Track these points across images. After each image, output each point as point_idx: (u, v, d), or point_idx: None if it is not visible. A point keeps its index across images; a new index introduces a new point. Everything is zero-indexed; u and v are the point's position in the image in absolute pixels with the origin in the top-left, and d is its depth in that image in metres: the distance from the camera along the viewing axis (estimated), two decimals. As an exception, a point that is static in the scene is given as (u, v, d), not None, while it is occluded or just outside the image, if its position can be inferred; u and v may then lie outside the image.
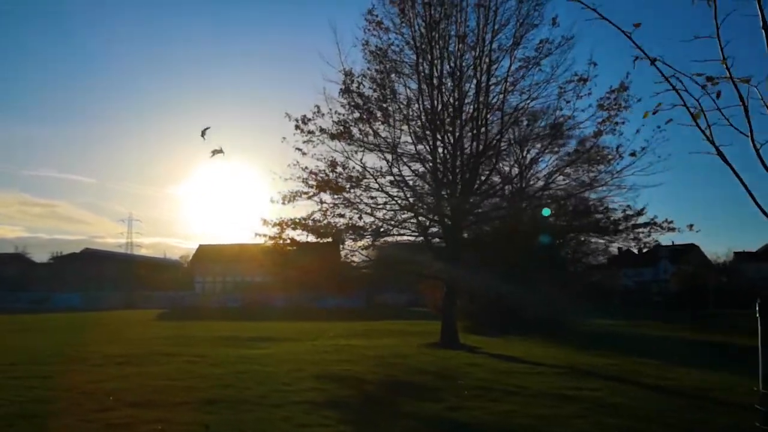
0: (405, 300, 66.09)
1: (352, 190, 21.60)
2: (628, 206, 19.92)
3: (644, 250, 51.24)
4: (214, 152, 8.97)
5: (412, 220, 22.91)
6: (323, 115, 21.58)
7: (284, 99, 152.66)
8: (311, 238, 23.53)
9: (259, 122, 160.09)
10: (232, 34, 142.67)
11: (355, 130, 20.90)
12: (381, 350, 20.30)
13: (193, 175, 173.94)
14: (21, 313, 52.70)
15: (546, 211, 20.76)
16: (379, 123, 21.12)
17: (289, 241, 23.57)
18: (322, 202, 22.87)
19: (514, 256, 23.90)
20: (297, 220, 22.84)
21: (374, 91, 21.17)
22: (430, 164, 22.11)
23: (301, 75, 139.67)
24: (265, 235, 23.38)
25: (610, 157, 20.65)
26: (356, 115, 20.91)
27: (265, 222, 22.57)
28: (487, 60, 21.58)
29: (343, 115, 21.23)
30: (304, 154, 22.09)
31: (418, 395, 11.57)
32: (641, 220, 19.67)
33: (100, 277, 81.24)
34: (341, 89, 21.03)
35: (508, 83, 21.68)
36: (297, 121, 21.08)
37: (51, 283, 75.62)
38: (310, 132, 21.76)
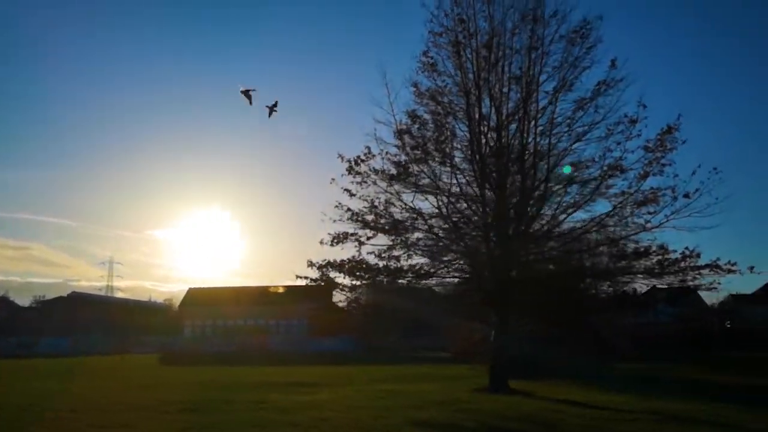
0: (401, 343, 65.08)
1: (407, 233, 21.36)
2: (686, 248, 19.92)
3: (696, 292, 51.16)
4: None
5: (458, 263, 22.63)
6: (374, 156, 21.49)
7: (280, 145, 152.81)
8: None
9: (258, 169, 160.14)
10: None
11: (414, 170, 20.69)
12: (436, 395, 19.84)
13: (169, 219, 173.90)
14: (9, 357, 51.29)
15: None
16: (437, 164, 20.98)
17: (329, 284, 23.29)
18: (362, 243, 22.64)
19: (560, 301, 23.77)
20: (340, 262, 22.54)
21: (433, 132, 21.07)
22: (480, 207, 21.94)
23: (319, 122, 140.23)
24: (307, 277, 23.02)
25: (660, 198, 20.61)
26: (415, 155, 20.75)
27: (310, 264, 22.20)
28: (534, 103, 21.63)
29: (397, 156, 21.16)
30: (352, 195, 21.91)
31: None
32: (701, 261, 19.67)
33: (87, 321, 79.44)
34: (400, 129, 20.93)
35: (554, 125, 21.72)
36: (350, 162, 20.91)
37: (37, 327, 73.79)
38: (358, 173, 21.63)
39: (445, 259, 22.53)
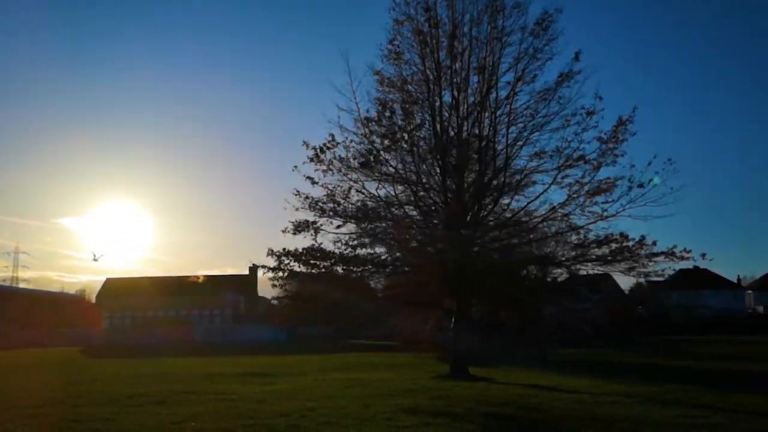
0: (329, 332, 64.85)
1: (373, 222, 21.24)
2: (642, 236, 20.56)
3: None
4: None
5: (423, 250, 22.68)
6: (337, 144, 21.22)
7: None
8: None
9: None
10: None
11: (383, 158, 20.54)
12: (401, 383, 19.83)
13: (77, 207, 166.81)
14: None
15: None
16: (406, 152, 20.89)
17: (287, 273, 22.90)
18: (318, 231, 22.41)
19: (514, 289, 24.21)
20: (300, 251, 22.19)
21: (402, 120, 20.95)
22: (442, 195, 22.03)
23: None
24: (264, 266, 22.59)
25: (613, 188, 21.17)
26: (384, 143, 20.59)
27: (271, 253, 21.74)
28: (495, 93, 21.86)
29: (361, 143, 20.98)
30: (314, 183, 21.60)
31: (552, 428, 11.32)
32: (657, 249, 20.35)
33: (-4, 313, 75.24)
34: (367, 117, 20.72)
35: (514, 116, 22.01)
36: (316, 149, 20.56)
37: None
38: (321, 161, 21.33)
39: (413, 246, 22.46)
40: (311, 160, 21.30)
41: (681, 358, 33.05)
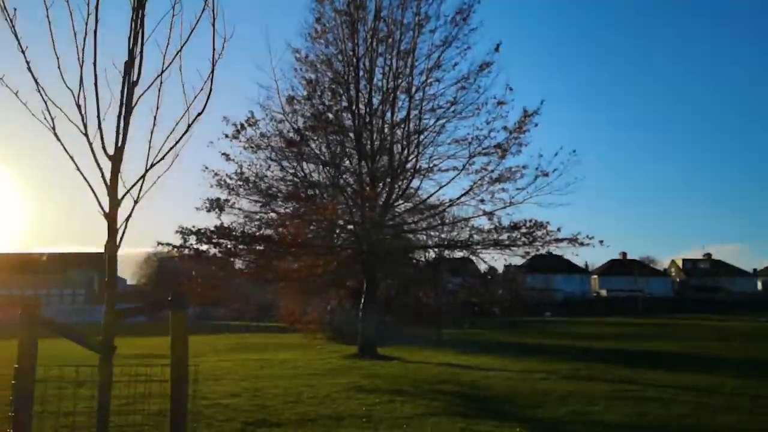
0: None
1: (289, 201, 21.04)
2: (547, 222, 21.85)
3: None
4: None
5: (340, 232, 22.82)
6: (257, 121, 20.82)
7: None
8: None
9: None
10: None
11: (309, 137, 20.35)
12: (317, 363, 20.02)
13: None
14: None
15: None
16: (331, 133, 20.82)
17: (193, 252, 22.27)
18: (222, 209, 22.01)
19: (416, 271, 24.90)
20: (211, 230, 21.65)
21: (330, 100, 20.83)
22: (357, 178, 22.24)
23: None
24: (169, 244, 21.88)
25: (515, 176, 22.31)
26: (309, 122, 20.41)
27: (181, 231, 21.05)
28: (410, 78, 22.29)
29: (283, 122, 20.72)
30: (229, 160, 21.11)
31: (511, 403, 11.93)
32: (562, 235, 21.69)
33: None
34: (291, 96, 20.44)
35: (430, 102, 22.61)
36: (236, 126, 20.05)
37: None
38: (238, 138, 20.87)
39: (329, 226, 22.51)
40: (227, 136, 20.78)
41: (553, 338, 35.37)
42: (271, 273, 23.17)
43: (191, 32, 4.51)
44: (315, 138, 20.85)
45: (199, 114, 4.63)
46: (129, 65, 4.40)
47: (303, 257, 23.45)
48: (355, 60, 21.78)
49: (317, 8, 21.45)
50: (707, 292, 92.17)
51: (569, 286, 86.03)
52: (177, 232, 21.38)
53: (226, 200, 21.49)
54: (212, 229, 21.68)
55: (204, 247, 22.28)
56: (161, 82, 4.61)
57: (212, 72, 4.61)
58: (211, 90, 4.67)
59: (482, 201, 21.89)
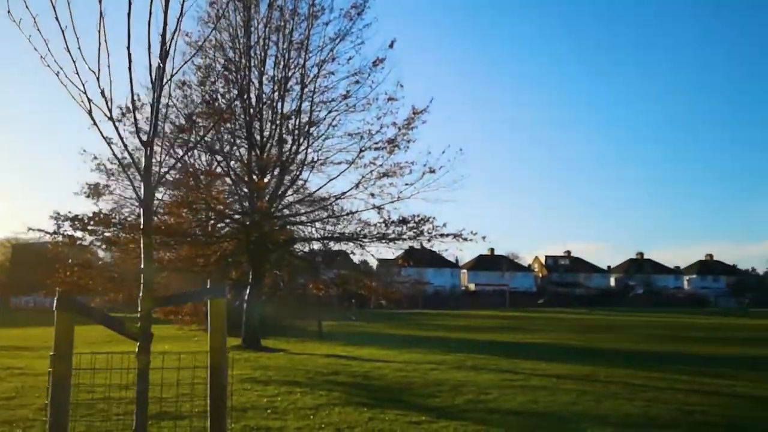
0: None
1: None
2: (432, 217, 22.38)
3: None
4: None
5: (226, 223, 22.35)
6: (143, 105, 19.93)
7: None
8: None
9: None
10: None
11: (201, 124, 19.72)
12: (200, 356, 19.47)
13: None
14: None
15: None
16: (224, 121, 20.28)
17: (67, 240, 21.20)
18: (101, 195, 21.12)
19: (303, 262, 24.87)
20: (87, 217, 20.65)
21: (224, 86, 20.30)
22: (246, 168, 21.90)
23: None
24: (42, 230, 20.72)
25: (407, 171, 22.77)
26: (203, 109, 19.79)
27: (56, 217, 19.95)
28: (302, 69, 22.20)
29: (181, 108, 20.04)
30: (112, 144, 20.05)
31: (409, 393, 12.20)
32: (447, 230, 22.28)
33: None
34: (184, 81, 19.75)
35: (322, 94, 22.61)
36: (121, 109, 19.09)
37: None
38: (119, 121, 19.88)
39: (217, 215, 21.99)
40: (110, 119, 19.69)
41: (429, 330, 36.42)
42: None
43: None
44: (206, 125, 20.26)
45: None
46: (164, 56, 4.27)
47: (185, 247, 22.82)
48: (247, 48, 21.39)
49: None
50: (567, 287, 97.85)
51: (440, 280, 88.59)
52: (51, 217, 20.25)
53: (106, 185, 20.51)
54: (90, 215, 20.66)
55: (79, 234, 21.25)
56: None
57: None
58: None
59: (372, 195, 22.12)
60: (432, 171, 22.16)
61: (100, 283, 21.06)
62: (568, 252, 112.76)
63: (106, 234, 21.52)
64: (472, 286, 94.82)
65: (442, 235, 22.28)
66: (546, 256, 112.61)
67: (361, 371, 15.57)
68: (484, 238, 22.86)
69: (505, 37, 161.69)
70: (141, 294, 4.40)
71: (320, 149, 22.93)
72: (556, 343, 25.99)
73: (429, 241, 22.40)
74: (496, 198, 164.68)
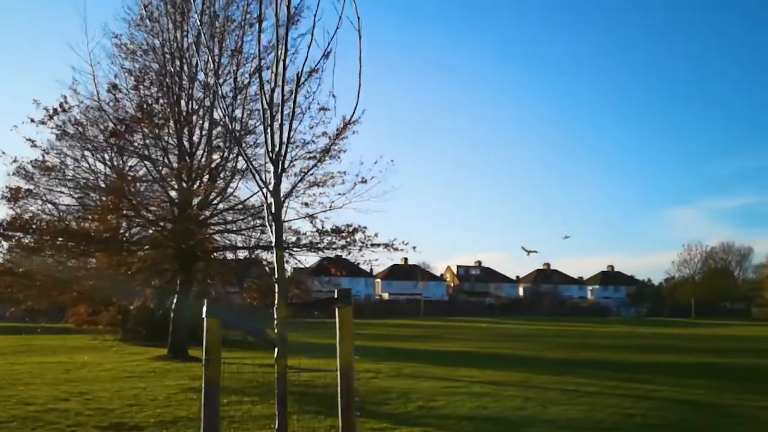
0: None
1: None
2: (364, 227, 22.57)
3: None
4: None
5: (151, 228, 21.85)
6: (70, 108, 19.36)
7: None
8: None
9: None
10: None
11: (135, 129, 19.21)
12: (131, 366, 19.07)
13: None
14: None
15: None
16: (157, 127, 19.83)
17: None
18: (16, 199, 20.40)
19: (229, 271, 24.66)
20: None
21: (158, 91, 19.82)
22: (176, 175, 21.52)
23: None
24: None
25: (340, 181, 22.89)
26: (136, 115, 19.26)
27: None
28: (233, 77, 22.05)
29: (101, 111, 19.46)
30: (34, 146, 19.44)
31: (360, 401, 12.31)
32: (379, 240, 22.53)
33: None
34: (113, 84, 19.23)
35: (251, 101, 22.50)
36: (48, 111, 18.47)
37: None
38: (43, 123, 19.28)
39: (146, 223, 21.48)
40: (33, 121, 19.02)
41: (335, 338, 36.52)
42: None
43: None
44: (138, 130, 19.76)
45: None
46: (299, 79, 5.16)
47: (111, 255, 22.22)
48: (179, 53, 21.07)
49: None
50: (478, 296, 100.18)
51: (354, 289, 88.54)
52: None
53: (28, 190, 19.70)
54: (8, 220, 19.82)
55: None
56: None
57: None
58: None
59: (306, 204, 22.16)
60: (364, 181, 22.37)
61: (19, 291, 20.21)
62: (479, 262, 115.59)
63: (24, 240, 20.66)
64: (385, 295, 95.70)
65: (373, 245, 22.54)
66: (458, 266, 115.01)
67: (301, 380, 15.47)
68: (414, 248, 23.35)
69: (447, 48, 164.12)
70: (276, 303, 4.98)
71: (253, 158, 22.72)
72: (481, 352, 26.69)
73: (360, 250, 22.59)
74: (411, 208, 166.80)
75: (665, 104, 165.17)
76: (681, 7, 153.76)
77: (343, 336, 5.49)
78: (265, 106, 5.23)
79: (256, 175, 5.43)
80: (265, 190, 5.27)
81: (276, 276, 5.03)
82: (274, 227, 4.94)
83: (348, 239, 22.24)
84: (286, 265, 27.52)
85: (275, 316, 5.07)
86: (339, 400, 5.47)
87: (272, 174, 5.12)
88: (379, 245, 22.59)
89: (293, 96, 5.25)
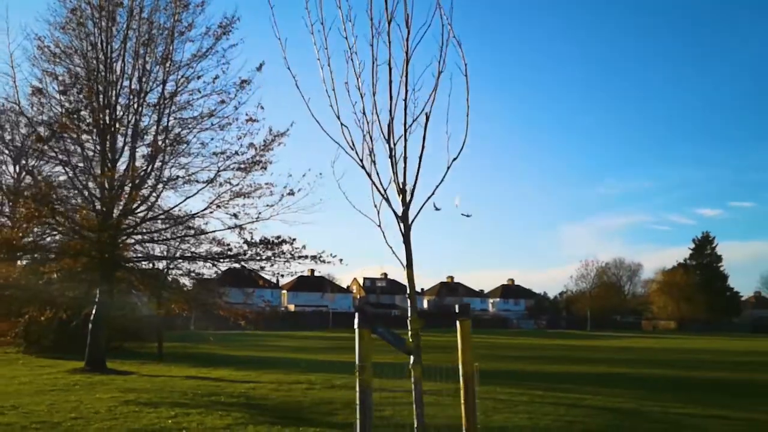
0: None
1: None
2: (292, 238, 22.59)
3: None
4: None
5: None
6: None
7: None
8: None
9: None
10: None
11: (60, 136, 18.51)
12: (48, 379, 18.34)
13: None
14: None
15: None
16: (84, 132, 19.19)
17: None
18: None
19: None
20: None
21: (87, 96, 19.19)
22: (98, 182, 20.95)
23: None
24: None
25: (268, 192, 22.83)
26: (63, 120, 18.58)
27: None
28: (161, 85, 21.76)
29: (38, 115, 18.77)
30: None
31: (309, 411, 12.44)
32: (307, 252, 22.57)
33: None
34: (37, 87, 18.52)
35: (179, 110, 22.26)
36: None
37: None
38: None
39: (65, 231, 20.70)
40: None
41: (264, 350, 36.30)
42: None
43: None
44: (66, 136, 19.06)
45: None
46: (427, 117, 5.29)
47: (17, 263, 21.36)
48: (104, 58, 20.56)
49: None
50: (384, 308, 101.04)
51: (260, 301, 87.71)
52: None
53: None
54: None
55: None
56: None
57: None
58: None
59: (236, 216, 22.01)
60: (291, 193, 22.45)
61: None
62: (385, 274, 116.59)
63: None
64: (291, 307, 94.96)
65: (301, 257, 22.61)
66: (364, 278, 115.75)
67: (237, 392, 15.52)
68: (341, 260, 23.56)
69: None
70: (409, 316, 5.74)
71: (178, 166, 22.42)
72: (400, 362, 27.03)
73: (287, 262, 22.59)
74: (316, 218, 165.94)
75: (562, 126, 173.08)
76: (571, 40, 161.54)
77: (464, 346, 6.20)
78: (391, 144, 5.57)
79: (390, 204, 5.70)
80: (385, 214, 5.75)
81: (407, 292, 5.80)
82: (404, 250, 5.33)
83: (275, 251, 22.22)
84: (185, 279, 27.07)
85: (410, 328, 5.74)
86: (463, 401, 6.42)
87: (400, 202, 5.43)
88: (306, 257, 22.70)
89: (423, 133, 5.52)
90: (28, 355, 28.03)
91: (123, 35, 20.62)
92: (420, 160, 5.51)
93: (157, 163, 21.89)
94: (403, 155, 5.49)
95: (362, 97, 5.56)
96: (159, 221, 22.84)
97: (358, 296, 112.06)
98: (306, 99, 5.71)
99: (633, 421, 12.22)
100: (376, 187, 5.71)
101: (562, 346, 45.70)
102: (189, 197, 22.67)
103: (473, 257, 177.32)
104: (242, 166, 22.44)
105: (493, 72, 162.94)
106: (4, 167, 19.50)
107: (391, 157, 5.55)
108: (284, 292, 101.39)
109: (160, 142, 21.66)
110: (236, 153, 22.43)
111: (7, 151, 19.04)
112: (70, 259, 20.69)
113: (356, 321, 5.67)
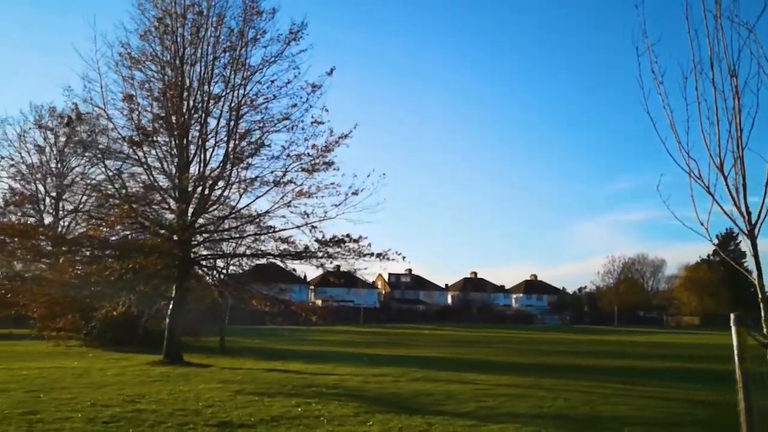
0: None
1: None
2: (361, 236, 23.23)
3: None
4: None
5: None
6: (82, 115, 19.35)
7: None
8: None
9: None
10: None
11: (154, 138, 19.27)
12: (138, 371, 19.04)
13: None
14: None
15: None
16: (173, 137, 19.92)
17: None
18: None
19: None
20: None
21: (171, 101, 19.92)
22: (175, 182, 21.69)
23: None
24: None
25: (335, 192, 23.44)
26: (156, 126, 19.32)
27: None
28: (234, 90, 22.44)
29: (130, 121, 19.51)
30: (42, 153, 19.34)
31: (415, 402, 13.10)
32: (373, 250, 23.23)
33: None
34: (129, 94, 19.23)
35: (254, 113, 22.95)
36: (69, 118, 18.44)
37: None
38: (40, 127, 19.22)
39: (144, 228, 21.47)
40: (40, 127, 18.92)
41: (316, 345, 36.93)
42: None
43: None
44: (157, 140, 19.83)
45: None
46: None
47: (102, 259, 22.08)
48: (181, 64, 21.30)
49: (143, 5, 20.60)
50: (409, 303, 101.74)
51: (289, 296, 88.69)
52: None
53: (33, 195, 19.48)
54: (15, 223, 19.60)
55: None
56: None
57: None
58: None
59: (307, 215, 22.67)
60: (355, 193, 23.07)
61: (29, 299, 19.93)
62: (410, 270, 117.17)
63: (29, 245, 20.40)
64: (319, 302, 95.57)
65: (368, 255, 23.26)
66: (389, 274, 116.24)
67: (330, 383, 16.20)
68: (404, 258, 24.18)
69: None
70: (764, 318, 6.00)
71: (253, 168, 23.14)
72: (459, 357, 27.70)
73: (355, 260, 23.28)
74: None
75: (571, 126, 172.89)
76: (564, 45, 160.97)
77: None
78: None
79: (736, 223, 6.18)
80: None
81: (760, 296, 6.05)
82: (755, 263, 5.97)
83: (345, 249, 22.90)
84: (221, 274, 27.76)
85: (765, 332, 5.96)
86: (741, 392, 6.28)
87: (745, 221, 6.10)
88: (373, 254, 23.36)
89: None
90: (92, 348, 28.81)
91: (202, 42, 21.32)
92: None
93: (230, 165, 22.59)
94: (742, 182, 6.19)
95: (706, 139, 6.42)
96: (233, 220, 23.56)
97: (383, 291, 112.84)
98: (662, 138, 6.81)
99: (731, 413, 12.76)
100: (722, 210, 6.34)
101: (601, 342, 45.93)
102: (258, 197, 23.36)
103: (494, 252, 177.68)
104: (308, 166, 23.09)
105: None
106: (101, 170, 20.17)
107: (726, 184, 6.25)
108: (311, 287, 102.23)
109: (244, 144, 22.39)
110: (305, 154, 23.06)
111: (99, 155, 19.73)
112: (152, 257, 21.46)
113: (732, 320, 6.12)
